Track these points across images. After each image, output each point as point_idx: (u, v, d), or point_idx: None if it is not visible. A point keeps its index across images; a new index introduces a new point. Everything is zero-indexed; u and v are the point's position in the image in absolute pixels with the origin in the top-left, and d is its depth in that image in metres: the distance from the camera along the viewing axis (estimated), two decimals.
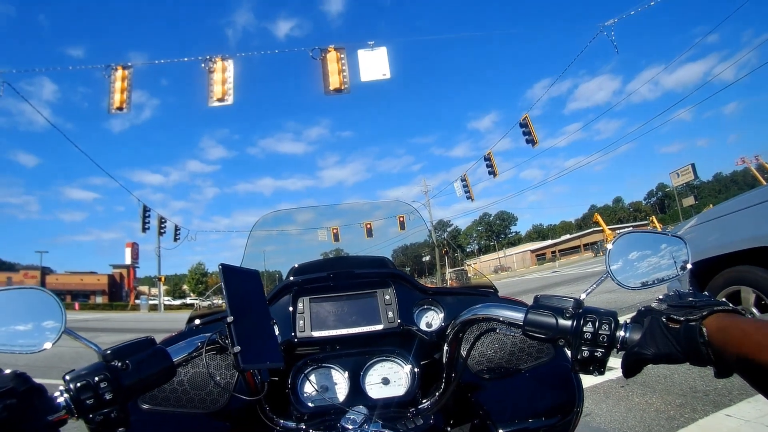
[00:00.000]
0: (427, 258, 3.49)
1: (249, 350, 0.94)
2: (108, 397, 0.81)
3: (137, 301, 58.17)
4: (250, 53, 24.18)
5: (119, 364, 0.86)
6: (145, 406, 1.25)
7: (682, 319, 0.77)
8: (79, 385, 0.80)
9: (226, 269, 1.00)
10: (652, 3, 15.69)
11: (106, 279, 71.83)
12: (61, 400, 0.79)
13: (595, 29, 16.36)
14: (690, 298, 0.81)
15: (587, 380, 0.98)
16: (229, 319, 0.94)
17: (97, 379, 0.81)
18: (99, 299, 66.44)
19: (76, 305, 54.10)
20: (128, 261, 57.70)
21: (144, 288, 71.90)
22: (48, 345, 0.89)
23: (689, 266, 0.98)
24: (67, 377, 0.82)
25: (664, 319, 0.80)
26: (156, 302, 51.31)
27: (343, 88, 13.53)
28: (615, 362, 0.86)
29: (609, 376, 1.01)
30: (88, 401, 0.80)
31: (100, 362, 0.86)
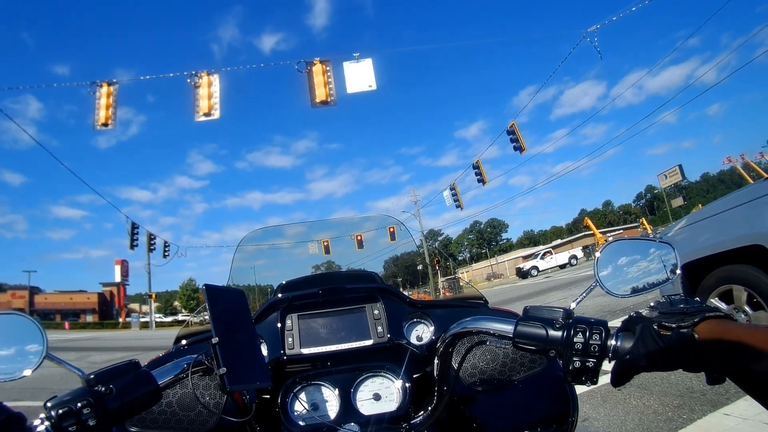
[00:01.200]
0: (420, 267, 3.49)
1: (235, 371, 0.93)
2: (91, 423, 0.79)
3: (128, 319, 57.49)
4: (235, 68, 24.32)
5: (103, 388, 0.84)
6: (133, 429, 1.23)
7: (673, 326, 0.77)
8: (60, 411, 0.78)
9: (210, 290, 0.98)
10: (633, 9, 15.96)
11: (96, 297, 71.01)
12: (41, 428, 0.77)
13: (578, 36, 16.59)
14: (681, 305, 0.81)
15: (584, 385, 0.97)
16: (214, 340, 0.93)
17: (79, 404, 0.79)
18: (89, 318, 65.60)
19: (66, 324, 53.31)
20: (118, 278, 57.17)
21: (135, 305, 71.23)
22: (28, 372, 0.87)
23: (678, 271, 0.97)
24: (49, 404, 0.80)
25: (655, 327, 0.79)
26: (147, 320, 50.81)
27: (329, 100, 13.58)
28: (609, 367, 0.85)
29: (606, 380, 1.01)
30: (70, 428, 0.78)
31: (83, 387, 0.84)
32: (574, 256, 46.79)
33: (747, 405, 3.30)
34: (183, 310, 76.86)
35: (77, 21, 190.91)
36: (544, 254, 48.50)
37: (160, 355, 1.39)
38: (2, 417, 0.72)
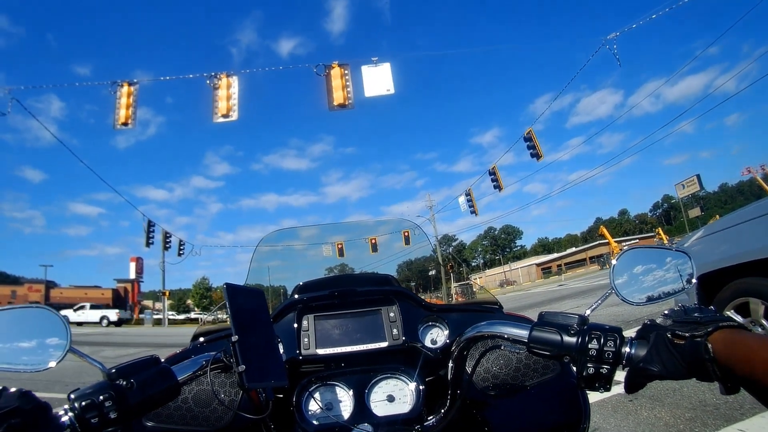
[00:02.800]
0: (433, 272, 3.49)
1: (254, 369, 0.94)
2: (113, 416, 0.82)
3: (141, 316, 58.01)
4: (254, 70, 24.46)
5: (124, 383, 0.86)
6: (150, 424, 1.25)
7: (687, 335, 0.77)
8: (84, 404, 0.80)
9: (230, 288, 1.00)
10: (653, 16, 15.83)
11: (111, 293, 71.78)
12: (65, 419, 0.79)
13: (594, 43, 16.49)
14: (696, 314, 0.81)
15: (594, 394, 0.98)
16: (234, 338, 0.94)
17: (102, 398, 0.82)
18: None
19: None
20: (132, 275, 57.56)
21: (148, 302, 71.88)
22: (53, 364, 0.89)
23: (694, 280, 0.98)
24: (72, 396, 0.82)
25: (669, 335, 0.80)
26: (160, 317, 51.20)
27: (347, 103, 13.61)
28: (621, 376, 0.85)
29: (617, 390, 1.02)
30: (92, 420, 0.80)
31: (105, 381, 0.87)
32: (106, 317, 42.52)
33: (763, 422, 3.24)
34: (196, 309, 77.34)
35: (100, 23, 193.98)
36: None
37: (178, 351, 1.41)
38: (30, 405, 0.74)
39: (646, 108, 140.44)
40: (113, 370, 0.88)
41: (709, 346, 0.74)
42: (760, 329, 3.79)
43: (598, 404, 4.12)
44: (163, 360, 1.00)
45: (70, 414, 0.80)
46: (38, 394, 0.77)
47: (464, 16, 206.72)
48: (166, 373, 0.93)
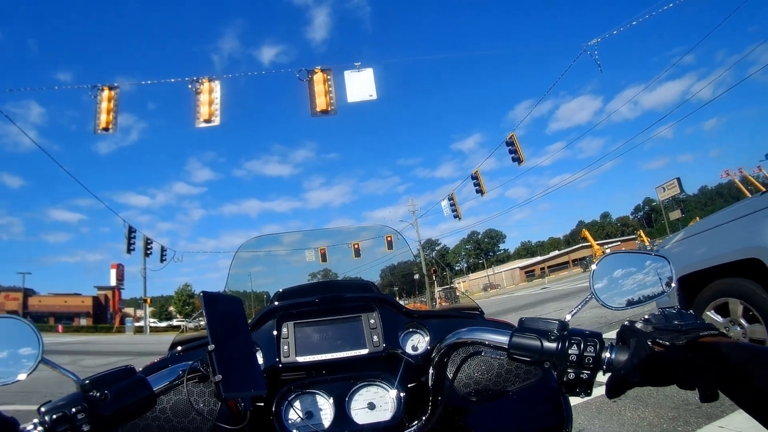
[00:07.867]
0: (416, 277, 3.49)
1: (231, 378, 0.93)
2: (86, 428, 0.79)
3: (122, 324, 57.20)
4: (237, 74, 24.37)
5: (98, 394, 0.84)
6: None
7: (668, 343, 0.77)
8: (55, 417, 0.77)
9: (207, 296, 0.98)
10: (634, 23, 16.11)
11: (91, 301, 70.64)
12: None
13: (573, 50, 16.71)
14: (676, 321, 0.81)
15: (578, 397, 0.99)
16: (210, 347, 0.93)
17: (74, 410, 0.79)
18: (83, 321, 65.15)
19: (60, 327, 52.97)
20: (113, 282, 56.64)
21: (129, 310, 70.85)
22: (23, 376, 0.86)
23: (674, 284, 0.98)
24: (42, 409, 0.79)
25: (650, 342, 0.80)
26: (142, 324, 50.54)
27: (329, 109, 13.58)
28: (604, 378, 0.85)
29: (601, 391, 1.04)
30: None
31: (78, 392, 0.84)
32: None
33: (742, 418, 3.30)
34: (178, 316, 76.49)
35: (81, 29, 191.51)
36: None
37: (155, 360, 1.38)
38: None
39: (625, 114, 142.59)
40: (87, 381, 0.85)
41: (690, 354, 0.74)
42: (739, 328, 3.85)
43: (582, 405, 4.15)
44: (139, 370, 0.98)
45: (40, 428, 0.77)
46: (14, 407, 0.75)
47: (445, 23, 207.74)
48: (141, 384, 0.91)
